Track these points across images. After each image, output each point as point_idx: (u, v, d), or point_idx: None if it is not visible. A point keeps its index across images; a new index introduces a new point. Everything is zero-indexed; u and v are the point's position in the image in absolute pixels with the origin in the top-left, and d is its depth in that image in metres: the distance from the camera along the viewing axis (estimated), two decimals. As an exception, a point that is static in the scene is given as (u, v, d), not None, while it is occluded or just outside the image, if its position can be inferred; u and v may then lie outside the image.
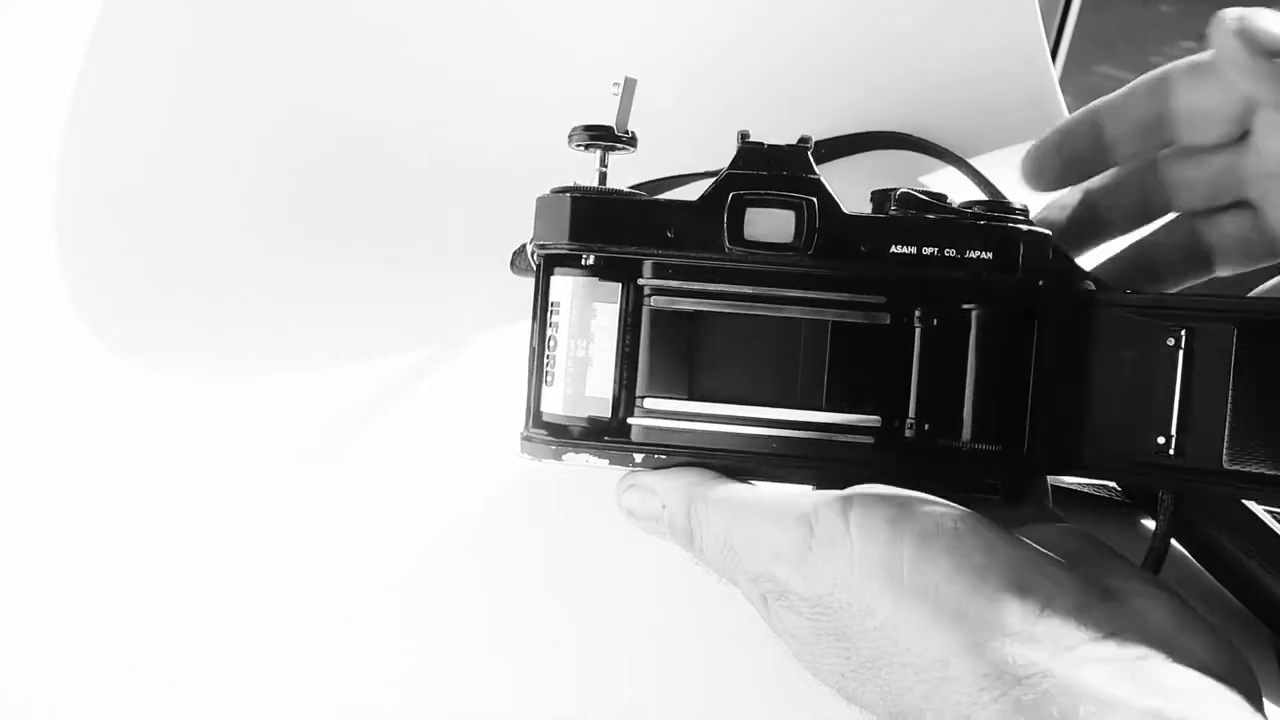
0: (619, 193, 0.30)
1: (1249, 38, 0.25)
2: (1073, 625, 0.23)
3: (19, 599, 0.39)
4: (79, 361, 0.49)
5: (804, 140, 0.30)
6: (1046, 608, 0.24)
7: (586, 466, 0.31)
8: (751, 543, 0.27)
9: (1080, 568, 0.26)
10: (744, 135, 0.30)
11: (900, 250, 0.29)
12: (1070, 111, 0.69)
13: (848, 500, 0.26)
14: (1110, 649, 0.23)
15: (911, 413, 0.30)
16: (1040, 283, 0.30)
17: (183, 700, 0.35)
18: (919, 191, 0.30)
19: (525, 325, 0.55)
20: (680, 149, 0.62)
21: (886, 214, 0.29)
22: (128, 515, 0.42)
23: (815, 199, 0.29)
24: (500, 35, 0.61)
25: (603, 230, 0.30)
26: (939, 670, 0.23)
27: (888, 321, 0.30)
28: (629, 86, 0.32)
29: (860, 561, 0.25)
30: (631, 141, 0.32)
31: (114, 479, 0.44)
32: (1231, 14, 0.24)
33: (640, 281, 0.30)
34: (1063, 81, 0.81)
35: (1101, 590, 0.25)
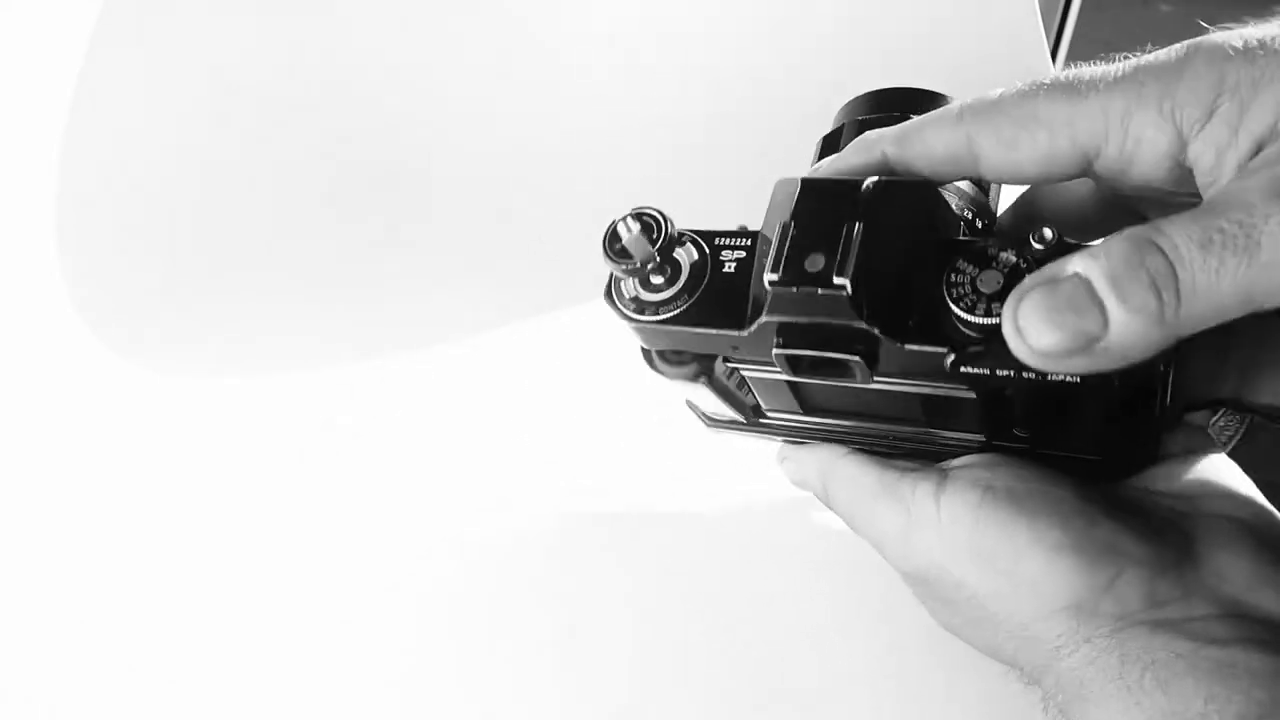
0: (673, 318, 0.28)
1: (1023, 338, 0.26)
2: (1139, 595, 0.26)
3: (19, 598, 0.39)
4: (79, 361, 0.49)
5: (838, 287, 0.25)
6: (1116, 580, 0.26)
7: (736, 438, 0.35)
8: (865, 518, 0.31)
9: (1168, 533, 0.28)
10: (772, 281, 0.26)
11: (973, 371, 0.26)
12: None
13: (940, 484, 0.29)
14: (1174, 611, 0.26)
15: (1015, 432, 0.30)
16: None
17: (182, 700, 0.35)
18: (985, 326, 0.25)
19: (525, 325, 0.55)
20: (680, 150, 0.62)
21: (946, 361, 0.25)
22: (128, 514, 0.42)
23: (865, 351, 0.26)
24: (506, 38, 0.61)
25: (674, 342, 0.30)
26: (1022, 631, 0.27)
27: (974, 397, 0.28)
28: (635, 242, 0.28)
29: (949, 542, 0.28)
30: (667, 253, 0.28)
31: (114, 478, 0.44)
32: (1006, 312, 0.24)
33: (729, 364, 0.30)
34: (1063, 82, 0.81)
35: (1177, 557, 0.27)
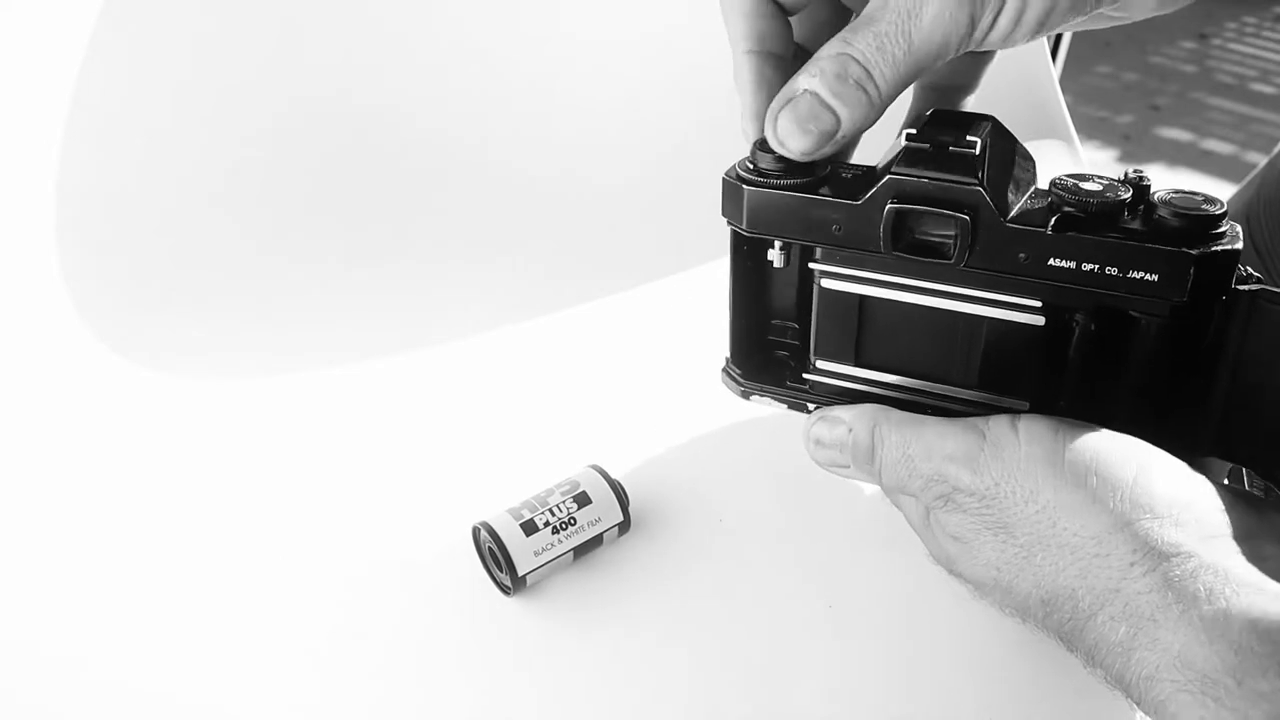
0: (792, 185, 0.31)
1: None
2: (1215, 519, 0.27)
3: (19, 598, 0.39)
4: (79, 361, 0.49)
5: (969, 144, 0.29)
6: (1193, 503, 0.27)
7: (769, 406, 0.37)
8: (928, 449, 0.31)
9: (1231, 487, 0.29)
10: (909, 135, 0.29)
11: (1059, 264, 0.29)
12: (1069, 112, 0.69)
13: (1014, 417, 0.31)
14: (1246, 546, 0.27)
15: (1062, 404, 0.32)
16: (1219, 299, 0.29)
17: (182, 699, 0.36)
18: (1090, 198, 0.28)
19: (525, 327, 0.55)
20: (682, 152, 0.62)
21: (1048, 226, 0.28)
22: (127, 514, 0.42)
23: (972, 215, 0.29)
24: (508, 35, 0.61)
25: (776, 220, 0.32)
26: (1093, 547, 0.27)
27: (1042, 324, 0.30)
28: None
29: (1026, 457, 0.29)
30: None
31: (114, 478, 0.44)
32: (768, 131, 0.31)
33: (811, 265, 0.32)
34: (1063, 81, 0.81)
35: (1243, 500, 0.28)
